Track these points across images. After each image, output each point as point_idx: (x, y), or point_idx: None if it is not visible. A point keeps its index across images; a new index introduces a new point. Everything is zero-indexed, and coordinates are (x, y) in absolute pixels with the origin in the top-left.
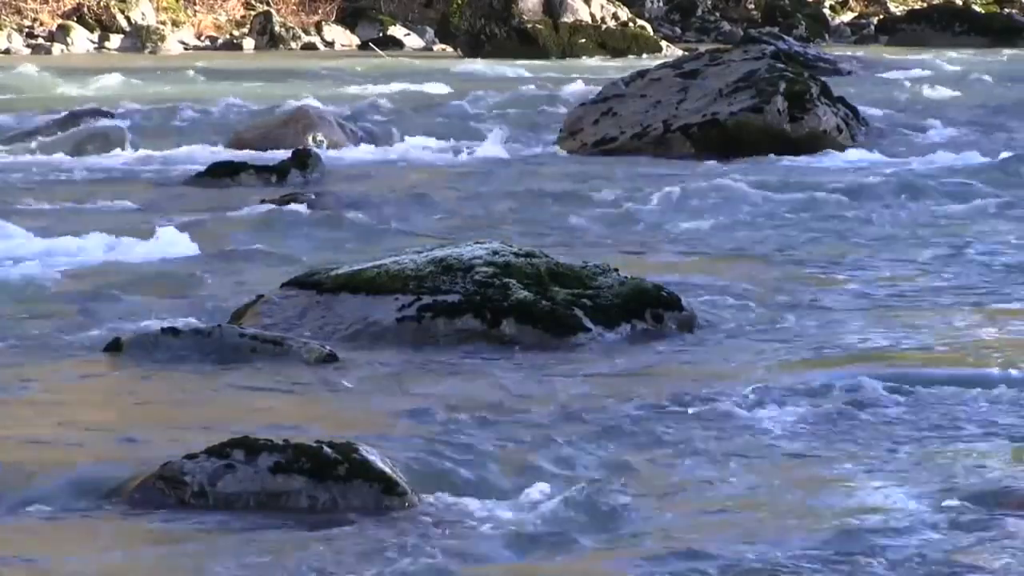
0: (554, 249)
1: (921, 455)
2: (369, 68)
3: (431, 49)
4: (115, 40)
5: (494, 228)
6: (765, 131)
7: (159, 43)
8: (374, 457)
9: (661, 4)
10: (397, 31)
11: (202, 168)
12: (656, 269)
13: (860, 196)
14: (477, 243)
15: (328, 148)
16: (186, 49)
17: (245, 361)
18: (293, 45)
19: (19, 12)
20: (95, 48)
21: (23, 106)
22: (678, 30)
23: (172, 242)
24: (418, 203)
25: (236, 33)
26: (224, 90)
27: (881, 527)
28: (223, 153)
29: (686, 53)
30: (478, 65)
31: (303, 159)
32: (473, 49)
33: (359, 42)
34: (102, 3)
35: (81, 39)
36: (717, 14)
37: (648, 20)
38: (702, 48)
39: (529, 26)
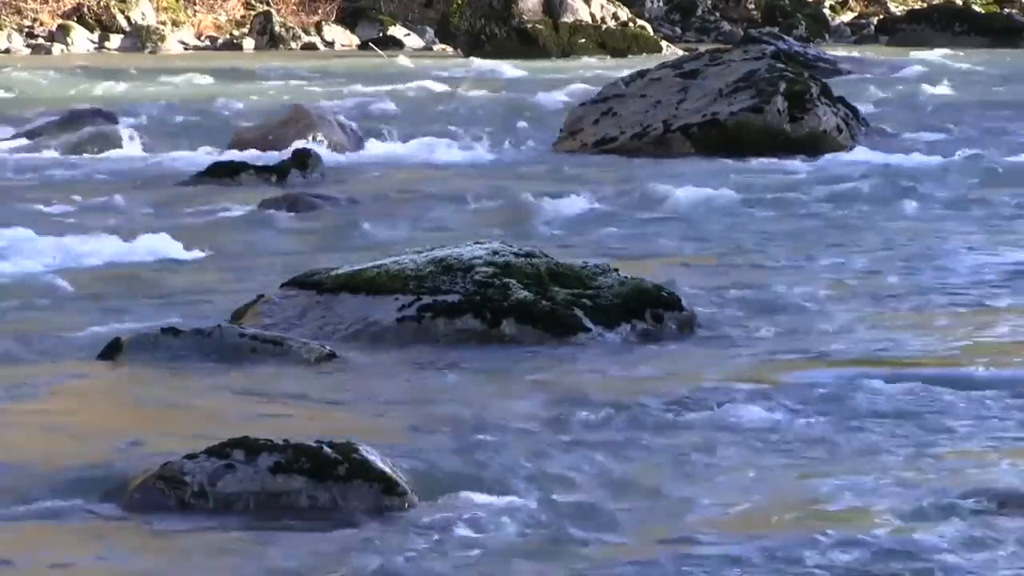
0: (554, 249)
1: (920, 455)
2: (369, 68)
3: (431, 49)
4: (115, 40)
5: (494, 228)
6: (765, 131)
7: (159, 43)
8: (374, 457)
9: (661, 4)
10: (397, 31)
11: (202, 168)
12: (656, 269)
13: (860, 196)
14: (477, 243)
15: (328, 148)
16: (186, 49)
17: (245, 361)
18: (293, 45)
19: (19, 12)
20: (95, 48)
21: (23, 106)
22: (678, 30)
23: (172, 242)
24: (418, 203)
25: (236, 33)
26: (224, 90)
27: (880, 527)
28: (223, 153)
29: (686, 53)
30: (478, 65)
31: (303, 159)
32: (473, 49)
33: (359, 42)
34: (102, 3)
35: (81, 39)
36: (717, 14)
37: (648, 20)
38: (702, 48)
39: (529, 26)
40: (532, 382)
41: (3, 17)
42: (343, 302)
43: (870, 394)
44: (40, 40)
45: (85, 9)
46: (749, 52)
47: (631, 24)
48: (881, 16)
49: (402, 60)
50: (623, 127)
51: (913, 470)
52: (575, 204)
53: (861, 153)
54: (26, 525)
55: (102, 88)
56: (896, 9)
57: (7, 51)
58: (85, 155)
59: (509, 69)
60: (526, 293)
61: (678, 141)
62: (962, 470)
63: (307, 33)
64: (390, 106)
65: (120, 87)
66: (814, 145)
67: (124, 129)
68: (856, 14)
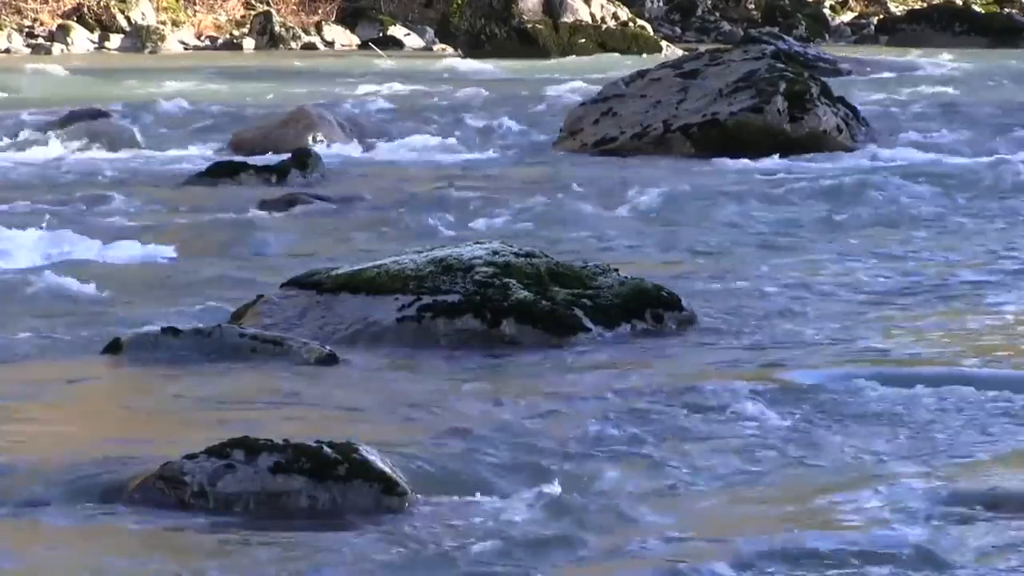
0: (554, 249)
1: (920, 455)
2: (369, 68)
3: (431, 49)
4: (115, 40)
5: (494, 228)
6: (765, 131)
7: (159, 43)
8: (374, 457)
9: (661, 4)
10: (397, 31)
11: (202, 168)
12: (656, 269)
13: (860, 196)
14: (477, 243)
15: (328, 148)
16: (186, 49)
17: (245, 361)
18: (293, 45)
19: (19, 12)
20: (95, 48)
21: (23, 106)
22: (678, 30)
23: (172, 242)
24: (418, 203)
25: (236, 33)
26: (224, 90)
27: (880, 527)
28: (223, 153)
29: (686, 53)
30: (478, 65)
31: (303, 159)
32: (473, 49)
33: (359, 42)
34: (102, 3)
35: (81, 39)
36: (717, 14)
37: (648, 20)
38: (702, 48)
39: (529, 26)
40: (532, 382)
41: (3, 17)
42: (343, 302)
43: (870, 394)
44: (40, 40)
45: (85, 9)
46: (749, 52)
47: (631, 24)
48: (881, 16)
49: (402, 60)
50: (623, 127)
51: (912, 470)
52: (575, 204)
53: (861, 153)
54: (25, 525)
55: (102, 88)
56: (896, 9)
57: (7, 51)
58: (85, 155)
59: (509, 69)
60: (526, 293)
61: (678, 141)
62: (962, 470)
63: (307, 33)
64: (390, 106)
65: (120, 87)
66: (814, 145)
67: (124, 129)
68: (856, 14)
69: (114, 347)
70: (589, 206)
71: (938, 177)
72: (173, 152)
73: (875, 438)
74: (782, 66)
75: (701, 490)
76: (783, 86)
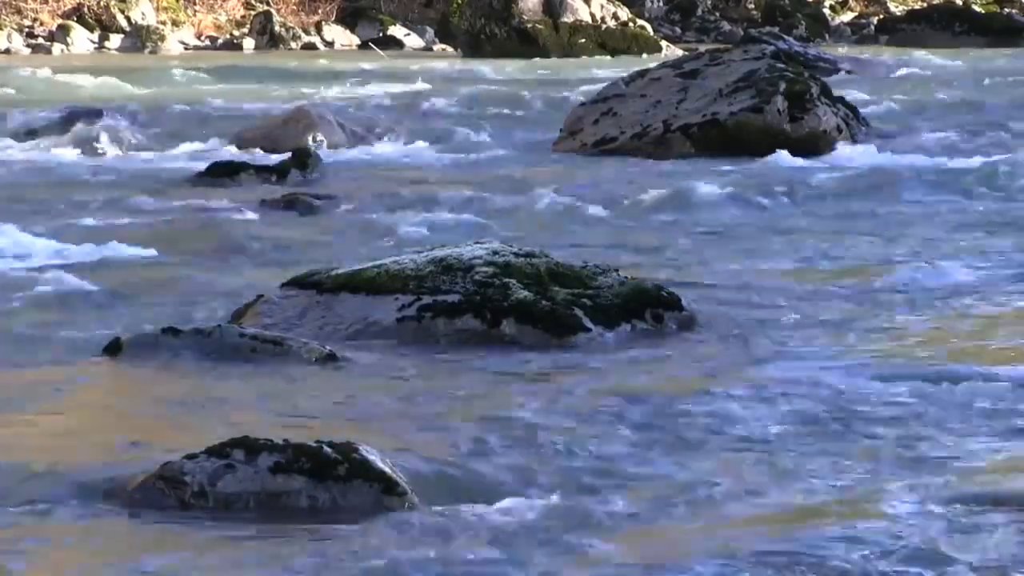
0: (554, 249)
1: (920, 454)
2: (369, 68)
3: (431, 49)
4: (115, 40)
5: (494, 228)
6: (765, 131)
7: (159, 43)
8: (374, 457)
9: (661, 4)
10: (397, 31)
11: (202, 168)
12: (656, 269)
13: (860, 196)
14: (477, 243)
15: (328, 148)
16: (186, 49)
17: (245, 361)
18: (293, 45)
19: (19, 12)
20: (95, 48)
21: (23, 106)
22: (678, 30)
23: (172, 242)
24: (418, 203)
25: (236, 33)
26: (224, 90)
27: (880, 526)
28: (223, 153)
29: (686, 53)
30: (478, 65)
31: (303, 159)
32: (473, 49)
33: (359, 42)
34: (102, 3)
35: (81, 39)
36: (717, 14)
37: (648, 20)
38: (702, 48)
39: (529, 26)
40: (532, 382)
41: (3, 17)
42: (343, 302)
43: (871, 394)
44: (40, 40)
45: (85, 9)
46: (749, 52)
47: (631, 24)
48: (881, 16)
49: (402, 60)
50: (623, 127)
51: (913, 469)
52: (575, 204)
53: (861, 153)
54: (25, 525)
55: (102, 88)
56: (896, 9)
57: (7, 51)
58: (84, 155)
59: (509, 69)
60: (526, 293)
61: (678, 141)
62: (962, 470)
63: (307, 33)
64: (390, 106)
65: (120, 87)
66: (814, 145)
67: (124, 129)
68: (856, 14)
69: (114, 347)
70: (589, 206)
71: (939, 177)
72: (173, 152)
73: (876, 438)
74: (782, 66)
75: (702, 490)
76: (783, 86)
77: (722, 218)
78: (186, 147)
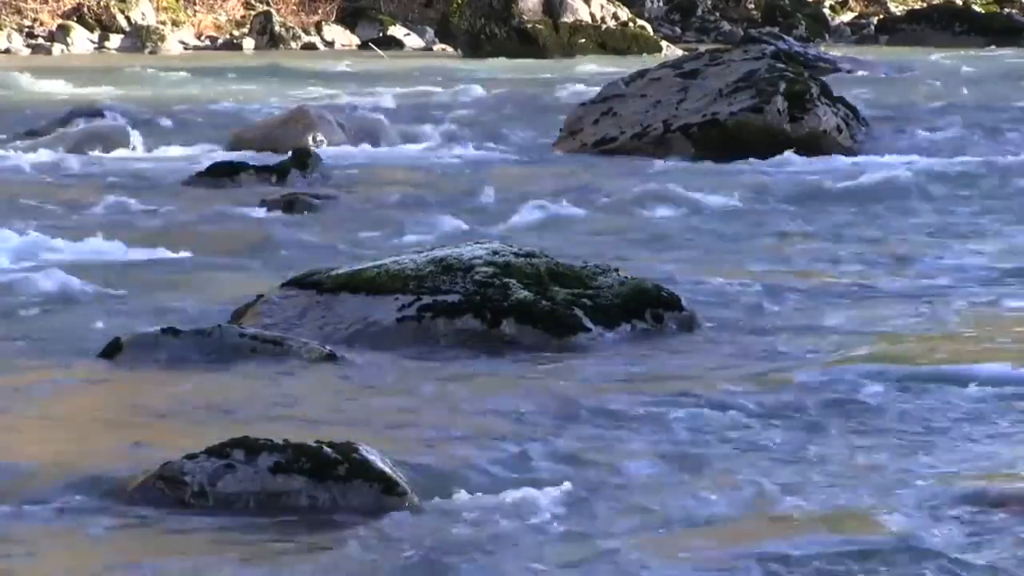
0: (554, 249)
1: (921, 454)
2: (369, 68)
3: (431, 49)
4: (115, 40)
5: (494, 228)
6: (765, 131)
7: (159, 43)
8: (374, 457)
9: (661, 4)
10: (397, 31)
11: (202, 168)
12: (656, 269)
13: (860, 196)
14: (477, 243)
15: (328, 148)
16: (186, 49)
17: (245, 361)
18: (293, 45)
19: (19, 12)
20: (95, 48)
21: (23, 106)
22: (678, 30)
23: (172, 242)
24: (418, 203)
25: (236, 33)
26: (224, 90)
27: (881, 527)
28: (223, 153)
29: (686, 53)
30: (478, 65)
31: (303, 159)
32: (473, 49)
33: (359, 42)
34: (102, 3)
35: (81, 39)
36: (717, 14)
37: (648, 20)
38: (702, 48)
39: (529, 26)
40: (532, 382)
41: (3, 17)
42: (343, 302)
43: (871, 394)
44: (40, 40)
45: (85, 9)
46: (749, 52)
47: (631, 24)
48: (881, 16)
49: (402, 60)
50: (623, 127)
51: (914, 469)
52: (575, 204)
53: (861, 153)
54: (25, 525)
55: (102, 88)
56: (896, 9)
57: (7, 51)
58: (85, 155)
59: (509, 69)
60: (526, 293)
61: (678, 141)
62: (963, 470)
63: (307, 33)
64: (390, 106)
65: (120, 87)
66: (814, 145)
67: (124, 129)
68: (856, 14)
69: (114, 347)
70: (589, 206)
71: (939, 177)
72: (173, 152)
73: (877, 437)
74: (782, 66)
75: (701, 490)
76: (783, 86)
77: (722, 218)
78: (186, 147)
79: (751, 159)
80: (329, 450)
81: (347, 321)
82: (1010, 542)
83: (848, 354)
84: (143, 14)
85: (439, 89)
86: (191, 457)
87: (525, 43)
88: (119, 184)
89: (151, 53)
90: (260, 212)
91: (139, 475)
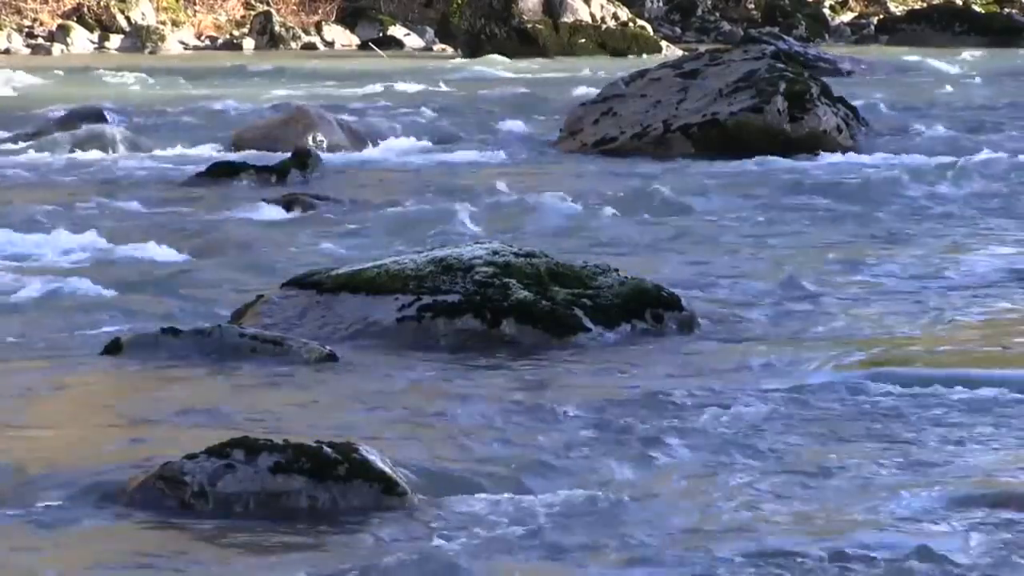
0: (554, 249)
1: (922, 455)
2: (369, 68)
3: (431, 49)
4: (115, 40)
5: (494, 228)
6: (765, 131)
7: (159, 43)
8: (374, 457)
9: (661, 4)
10: (397, 31)
11: (202, 168)
12: (656, 269)
13: (860, 196)
14: (477, 243)
15: (328, 148)
16: (186, 49)
17: (245, 361)
18: (293, 45)
19: (19, 12)
20: (95, 48)
21: (23, 106)
22: (678, 30)
23: (172, 242)
24: (417, 203)
25: (236, 33)
26: (224, 90)
27: (882, 527)
28: (223, 153)
29: (686, 53)
30: (478, 65)
31: (303, 159)
32: (473, 49)
33: (359, 42)
34: (102, 3)
35: (81, 39)
36: (717, 14)
37: (648, 20)
38: (702, 48)
39: (529, 26)
40: (532, 382)
41: (3, 17)
42: (343, 302)
43: (872, 394)
44: (40, 40)
45: (85, 9)
46: (749, 52)
47: (631, 24)
48: (881, 16)
49: (402, 60)
50: (623, 127)
51: (914, 470)
52: (575, 204)
53: (861, 153)
54: (25, 526)
55: (102, 88)
56: (896, 9)
57: (7, 51)
58: (85, 155)
59: (509, 69)
60: (526, 293)
61: (678, 141)
62: (964, 470)
63: (307, 33)
64: (390, 106)
65: (120, 87)
66: (814, 145)
67: (124, 129)
68: (856, 14)
69: (114, 347)
70: (589, 206)
71: (939, 177)
72: (173, 152)
73: (878, 438)
74: (782, 66)
75: (701, 490)
76: (783, 86)
77: (722, 218)
78: (186, 147)
79: (751, 159)
80: (329, 450)
81: (347, 321)
82: (1015, 543)
83: (849, 355)
84: (143, 14)
85: (439, 89)
86: (191, 457)
87: (525, 43)
88: (118, 185)
89: (151, 53)
90: (260, 212)
91: (139, 475)
